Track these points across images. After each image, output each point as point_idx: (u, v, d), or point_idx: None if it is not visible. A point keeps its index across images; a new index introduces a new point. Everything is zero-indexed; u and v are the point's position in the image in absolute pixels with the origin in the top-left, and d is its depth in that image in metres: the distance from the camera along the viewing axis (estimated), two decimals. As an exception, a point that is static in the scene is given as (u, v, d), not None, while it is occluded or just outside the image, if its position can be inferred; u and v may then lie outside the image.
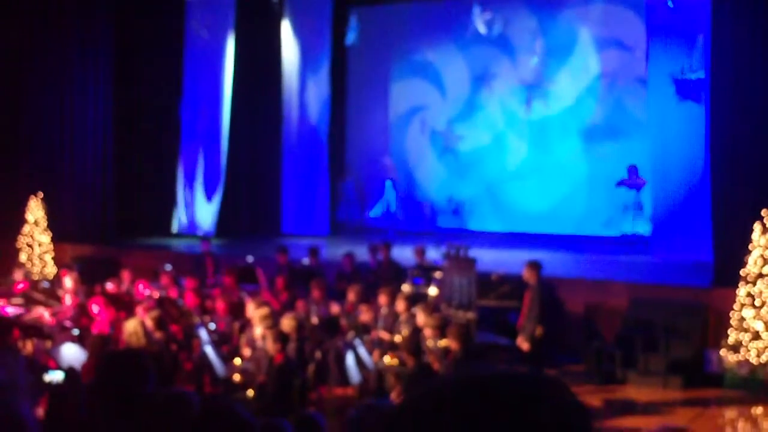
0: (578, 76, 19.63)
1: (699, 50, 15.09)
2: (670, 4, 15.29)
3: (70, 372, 7.19)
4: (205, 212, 19.91)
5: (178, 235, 19.84)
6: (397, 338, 10.71)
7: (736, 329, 11.71)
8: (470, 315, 11.99)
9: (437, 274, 13.00)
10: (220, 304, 11.90)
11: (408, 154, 21.14)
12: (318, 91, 20.30)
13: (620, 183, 17.87)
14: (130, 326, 9.64)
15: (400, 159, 21.04)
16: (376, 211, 20.17)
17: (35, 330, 11.16)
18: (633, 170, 17.66)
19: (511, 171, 20.16)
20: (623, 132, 19.03)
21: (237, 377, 10.04)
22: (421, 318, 10.50)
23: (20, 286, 13.91)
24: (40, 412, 5.76)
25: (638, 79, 18.21)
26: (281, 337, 9.52)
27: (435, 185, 21.08)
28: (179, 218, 20.28)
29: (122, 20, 18.84)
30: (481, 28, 20.22)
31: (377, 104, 21.81)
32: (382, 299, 11.55)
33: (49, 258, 17.64)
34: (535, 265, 11.51)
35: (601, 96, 19.46)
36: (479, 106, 20.67)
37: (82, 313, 11.69)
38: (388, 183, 19.76)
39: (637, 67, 18.15)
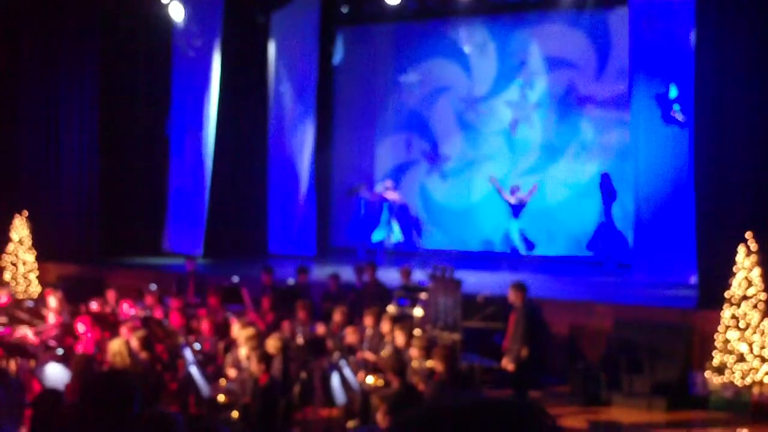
0: (559, 98, 19.72)
1: (682, 73, 15.16)
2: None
3: (53, 392, 7.15)
4: (192, 232, 19.85)
5: (166, 254, 19.76)
6: (372, 356, 10.73)
7: (720, 351, 11.75)
8: (455, 336, 11.98)
9: (422, 295, 12.99)
10: (205, 325, 11.86)
11: (395, 175, 21.10)
12: (304, 111, 20.32)
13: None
14: (115, 346, 9.60)
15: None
16: (378, 236, 19.91)
17: (19, 349, 11.10)
18: (514, 189, 18.24)
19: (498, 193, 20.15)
20: (607, 153, 19.11)
21: (222, 398, 10.00)
22: (399, 338, 10.53)
23: (2, 299, 13.88)
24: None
25: (619, 101, 18.33)
26: (266, 358, 9.51)
27: (420, 203, 21.09)
28: (167, 237, 20.22)
29: (109, 39, 18.87)
30: (467, 49, 20.38)
31: (364, 123, 21.82)
32: (368, 320, 11.55)
33: (33, 277, 17.59)
34: (520, 287, 11.55)
35: (581, 117, 19.54)
36: (465, 127, 20.72)
37: (66, 332, 11.64)
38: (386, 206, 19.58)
39: (617, 89, 18.35)
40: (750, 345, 11.58)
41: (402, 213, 19.65)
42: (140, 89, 19.92)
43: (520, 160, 20.03)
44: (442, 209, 20.87)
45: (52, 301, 12.94)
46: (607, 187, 17.78)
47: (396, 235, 19.43)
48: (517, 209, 18.04)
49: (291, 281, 14.89)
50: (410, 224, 20.05)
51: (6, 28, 18.63)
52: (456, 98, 20.77)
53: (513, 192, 18.16)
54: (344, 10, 20.96)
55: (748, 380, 11.51)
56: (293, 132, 20.45)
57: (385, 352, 10.63)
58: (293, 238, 20.33)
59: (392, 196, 19.45)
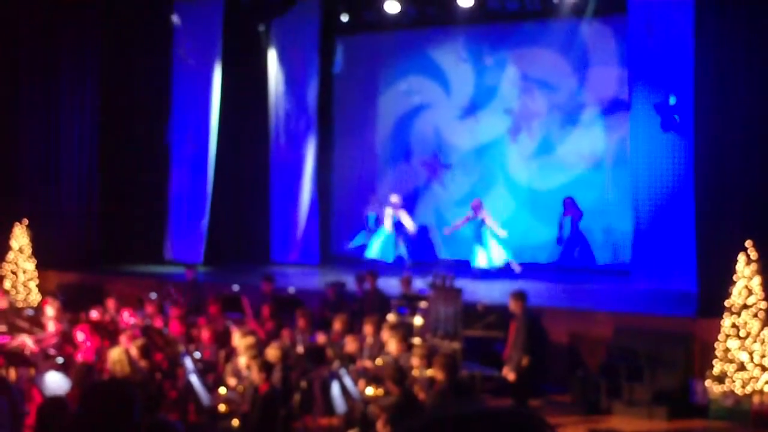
0: (559, 106, 19.72)
1: (681, 81, 15.17)
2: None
3: (58, 400, 7.14)
4: (193, 240, 19.82)
5: (167, 263, 19.74)
6: (371, 365, 10.71)
7: (721, 360, 11.74)
8: (456, 345, 11.98)
9: (423, 304, 12.98)
10: (205, 333, 11.86)
11: (395, 183, 21.10)
12: (305, 119, 20.33)
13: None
14: (115, 355, 9.59)
15: (389, 189, 20.89)
16: (357, 242, 20.12)
17: (19, 358, 11.09)
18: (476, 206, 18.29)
19: (500, 201, 20.12)
20: (606, 161, 19.13)
21: (222, 406, 9.98)
22: (392, 345, 10.52)
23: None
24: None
25: (618, 110, 18.36)
26: (266, 367, 9.50)
27: (425, 212, 21.07)
28: (168, 245, 20.19)
29: (109, 47, 18.89)
30: (467, 57, 20.39)
31: (364, 132, 21.83)
32: (368, 329, 11.54)
33: (33, 285, 17.58)
34: (520, 296, 11.54)
35: (581, 126, 19.54)
36: (466, 135, 20.70)
37: (66, 341, 11.63)
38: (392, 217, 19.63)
39: (616, 98, 18.41)
40: (750, 354, 11.57)
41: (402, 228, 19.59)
42: (141, 97, 19.91)
43: (520, 167, 20.03)
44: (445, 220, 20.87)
45: (50, 310, 12.91)
46: (572, 210, 18.05)
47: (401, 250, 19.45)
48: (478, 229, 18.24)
49: (291, 290, 14.88)
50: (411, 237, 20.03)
51: (5, 31, 18.63)
52: (456, 106, 20.77)
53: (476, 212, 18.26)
54: (344, 18, 20.98)
55: (748, 389, 11.50)
56: (294, 139, 20.45)
57: (380, 360, 10.64)
58: (296, 246, 20.33)
59: (405, 220, 19.34)
